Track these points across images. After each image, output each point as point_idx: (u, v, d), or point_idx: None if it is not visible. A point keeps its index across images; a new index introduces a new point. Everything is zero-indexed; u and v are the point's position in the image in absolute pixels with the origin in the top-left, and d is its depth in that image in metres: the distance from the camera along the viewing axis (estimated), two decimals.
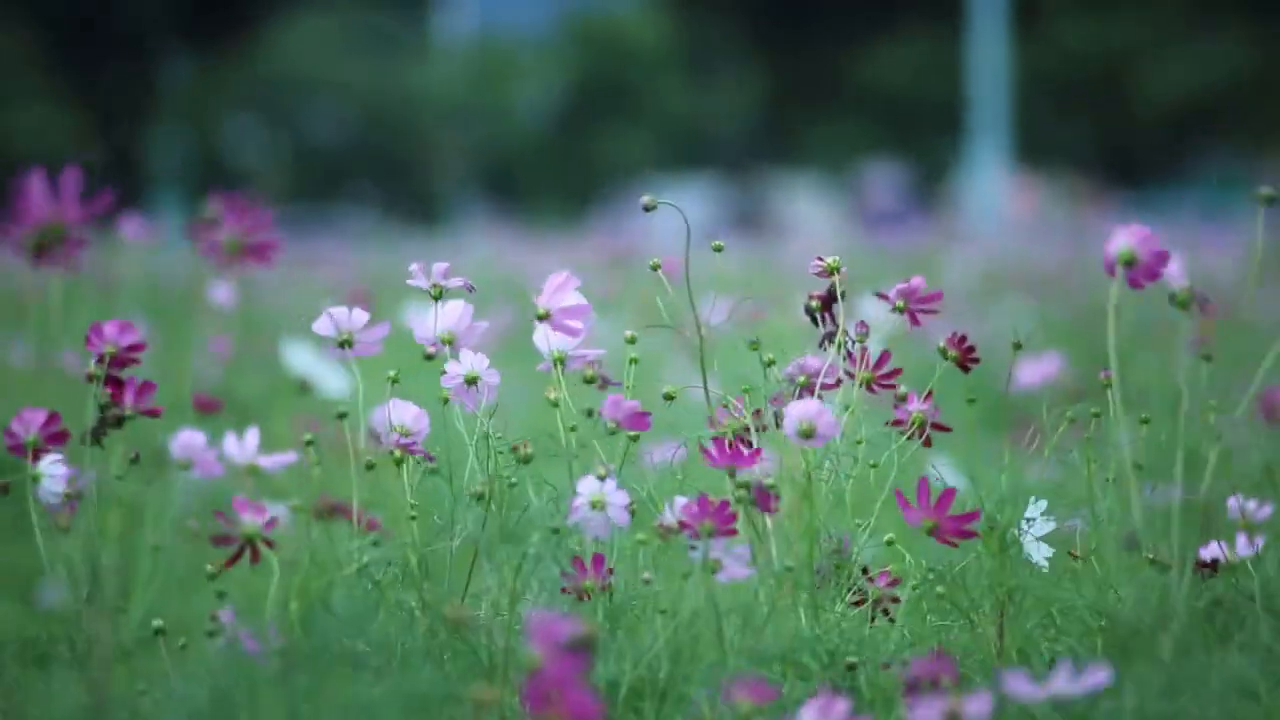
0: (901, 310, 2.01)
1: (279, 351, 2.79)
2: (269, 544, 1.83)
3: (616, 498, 1.84)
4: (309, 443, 1.90)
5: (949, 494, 1.80)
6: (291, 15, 25.62)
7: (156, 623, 1.86)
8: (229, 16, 25.62)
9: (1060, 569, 1.88)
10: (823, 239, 11.95)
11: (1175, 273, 2.57)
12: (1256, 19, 24.49)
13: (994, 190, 15.82)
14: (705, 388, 1.95)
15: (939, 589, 1.82)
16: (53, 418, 1.93)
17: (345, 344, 1.93)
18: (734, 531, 1.80)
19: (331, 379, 2.76)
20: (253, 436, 2.47)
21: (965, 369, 1.99)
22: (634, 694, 1.77)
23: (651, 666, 1.78)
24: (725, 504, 1.80)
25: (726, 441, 1.85)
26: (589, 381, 1.90)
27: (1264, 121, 23.56)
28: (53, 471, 1.93)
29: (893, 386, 1.98)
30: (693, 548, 1.80)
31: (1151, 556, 1.79)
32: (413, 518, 1.84)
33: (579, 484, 1.84)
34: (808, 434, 1.84)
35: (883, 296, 2.02)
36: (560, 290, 2.00)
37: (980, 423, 4.12)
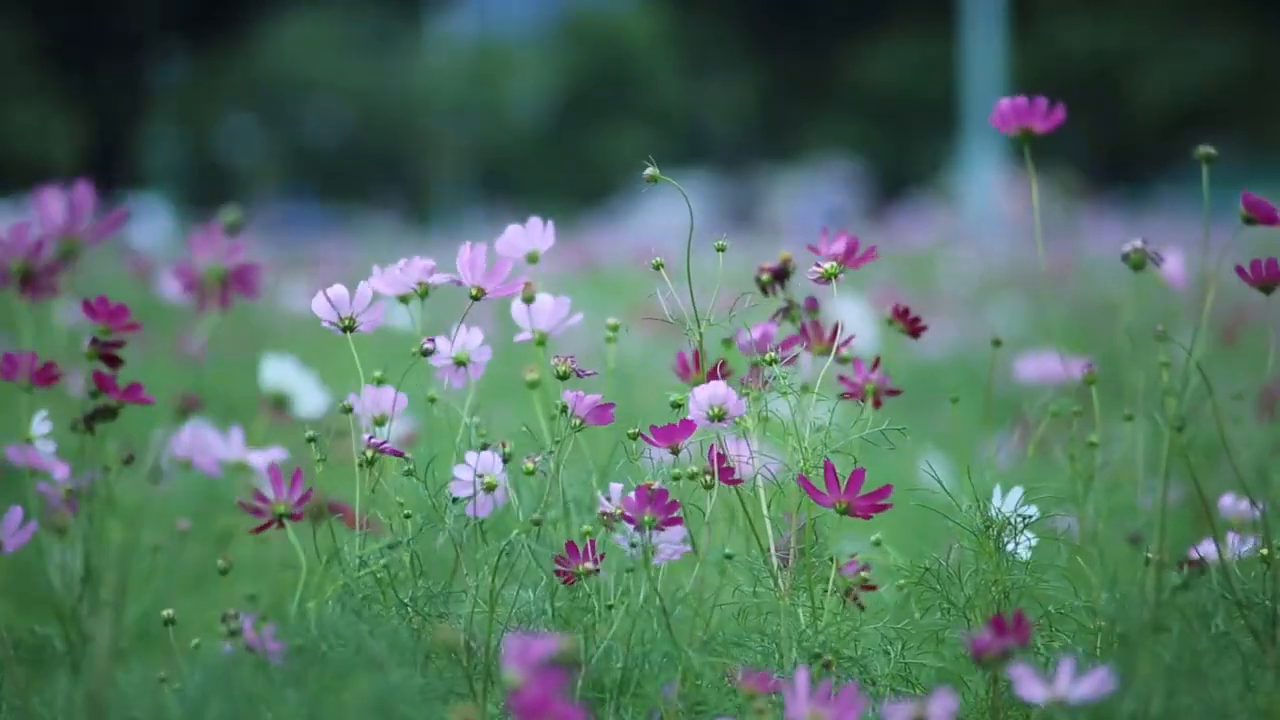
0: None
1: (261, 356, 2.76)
2: (296, 518, 1.83)
3: (502, 476, 1.84)
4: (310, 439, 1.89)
5: (858, 476, 1.80)
6: (287, 14, 25.61)
7: (167, 613, 1.85)
8: (225, 16, 25.61)
9: (1054, 566, 1.87)
10: (816, 237, 11.90)
11: (1176, 269, 2.55)
12: (1252, 18, 24.49)
13: (988, 189, 15.81)
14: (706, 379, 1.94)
15: (935, 586, 1.81)
16: (49, 364, 1.90)
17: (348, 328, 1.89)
18: (678, 520, 1.79)
19: (310, 394, 2.74)
20: (237, 434, 2.47)
21: (915, 335, 2.06)
22: (593, 686, 1.77)
23: (607, 660, 1.78)
24: (664, 493, 1.78)
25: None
26: (562, 378, 1.86)
27: (1260, 119, 23.57)
28: (42, 430, 1.91)
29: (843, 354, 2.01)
30: (633, 545, 1.78)
31: (1150, 555, 1.78)
32: (407, 516, 1.83)
33: (465, 462, 1.83)
34: (718, 417, 1.82)
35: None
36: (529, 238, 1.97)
37: (979, 421, 4.11)
